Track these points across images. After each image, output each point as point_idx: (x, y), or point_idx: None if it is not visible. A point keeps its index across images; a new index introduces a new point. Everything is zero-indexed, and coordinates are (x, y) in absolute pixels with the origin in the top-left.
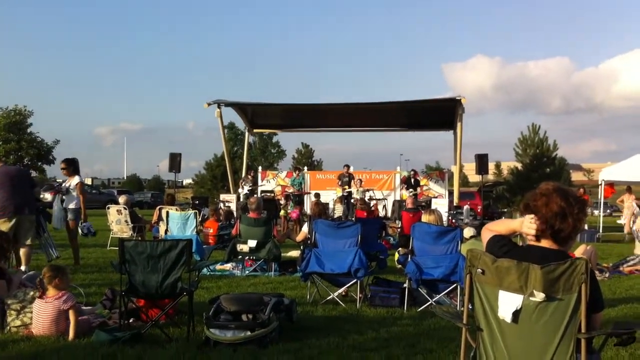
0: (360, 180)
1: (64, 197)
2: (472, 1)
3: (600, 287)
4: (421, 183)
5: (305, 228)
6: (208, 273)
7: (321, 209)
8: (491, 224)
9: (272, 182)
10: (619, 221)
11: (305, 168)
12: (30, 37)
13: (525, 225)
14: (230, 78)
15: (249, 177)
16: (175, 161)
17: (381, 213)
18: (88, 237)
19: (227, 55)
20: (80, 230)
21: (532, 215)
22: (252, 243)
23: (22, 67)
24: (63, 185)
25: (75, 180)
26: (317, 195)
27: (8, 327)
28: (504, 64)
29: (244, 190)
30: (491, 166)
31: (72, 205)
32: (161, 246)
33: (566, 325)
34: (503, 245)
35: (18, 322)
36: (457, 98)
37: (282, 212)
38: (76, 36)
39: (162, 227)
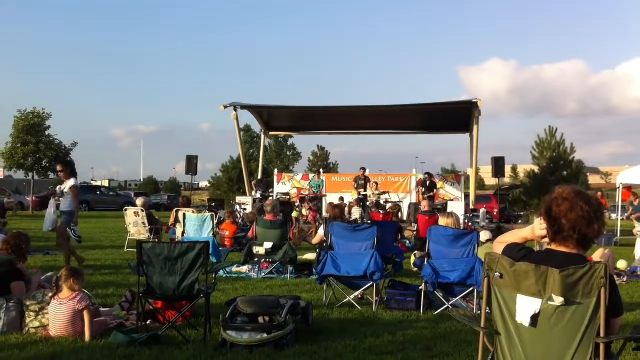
0: (376, 183)
1: (59, 199)
2: (487, 5)
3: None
4: (437, 186)
5: (321, 231)
6: (224, 275)
7: (337, 212)
8: (501, 237)
9: (288, 185)
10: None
11: (321, 171)
12: (48, 42)
13: (537, 228)
14: (246, 80)
15: (262, 181)
16: (191, 163)
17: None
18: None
19: (243, 58)
20: (70, 232)
21: (541, 218)
22: (268, 245)
23: (40, 70)
24: (58, 188)
25: (70, 182)
26: (341, 199)
27: (27, 328)
28: (519, 67)
29: (257, 194)
30: (508, 169)
31: (66, 208)
32: (179, 248)
33: (585, 330)
34: (520, 250)
35: (37, 324)
36: (473, 101)
37: (294, 214)
38: (93, 39)
39: (179, 229)
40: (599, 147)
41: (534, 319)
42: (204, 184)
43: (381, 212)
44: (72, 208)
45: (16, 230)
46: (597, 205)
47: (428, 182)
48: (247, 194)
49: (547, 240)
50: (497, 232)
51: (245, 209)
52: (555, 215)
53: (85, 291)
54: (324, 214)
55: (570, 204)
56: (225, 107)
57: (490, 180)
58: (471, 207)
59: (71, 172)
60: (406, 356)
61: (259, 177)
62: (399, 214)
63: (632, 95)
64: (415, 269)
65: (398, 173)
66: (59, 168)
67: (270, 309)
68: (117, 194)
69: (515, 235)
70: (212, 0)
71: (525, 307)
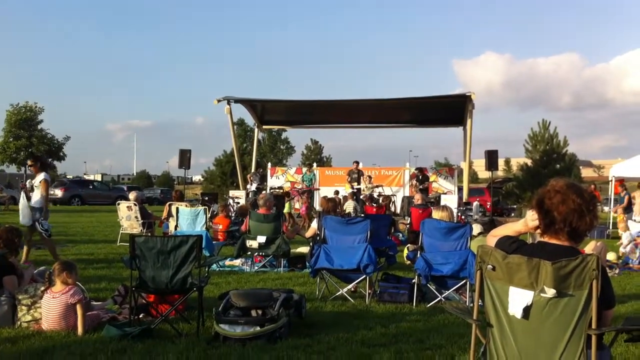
0: (370, 177)
1: (30, 194)
2: None
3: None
4: (430, 179)
5: (314, 224)
6: (217, 269)
7: (331, 206)
8: (494, 230)
9: (282, 179)
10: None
11: (315, 164)
12: (42, 36)
13: (529, 219)
14: (240, 75)
15: (258, 173)
16: (184, 157)
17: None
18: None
19: (236, 52)
20: (38, 226)
21: (532, 211)
22: (262, 239)
23: (33, 64)
24: (28, 182)
25: (40, 177)
26: (336, 193)
27: (19, 322)
28: (514, 61)
29: (252, 187)
30: (501, 162)
31: (36, 204)
32: (171, 242)
33: (577, 322)
34: (513, 243)
35: (29, 317)
36: (466, 94)
37: (286, 209)
38: (87, 34)
39: (172, 223)
40: (593, 140)
41: (526, 311)
42: (197, 177)
43: (375, 205)
44: (42, 204)
45: (8, 225)
46: (589, 198)
47: (420, 176)
48: (241, 187)
49: (540, 231)
50: (489, 225)
51: (238, 203)
52: (547, 207)
53: (80, 284)
54: (317, 207)
55: (562, 197)
56: (219, 100)
57: (483, 174)
58: (464, 200)
59: (41, 166)
60: (399, 348)
61: (253, 169)
62: (391, 206)
63: (626, 88)
64: (408, 262)
65: (391, 167)
66: (29, 162)
67: (263, 302)
68: (109, 187)
69: (509, 229)
70: None
71: (518, 299)
